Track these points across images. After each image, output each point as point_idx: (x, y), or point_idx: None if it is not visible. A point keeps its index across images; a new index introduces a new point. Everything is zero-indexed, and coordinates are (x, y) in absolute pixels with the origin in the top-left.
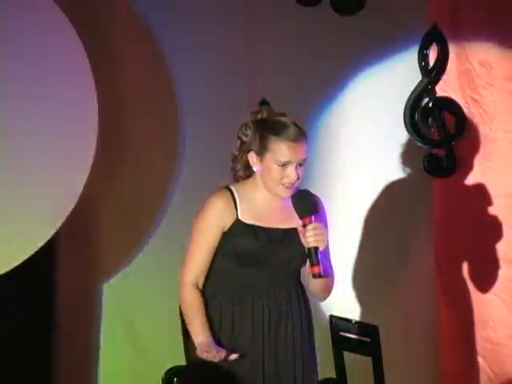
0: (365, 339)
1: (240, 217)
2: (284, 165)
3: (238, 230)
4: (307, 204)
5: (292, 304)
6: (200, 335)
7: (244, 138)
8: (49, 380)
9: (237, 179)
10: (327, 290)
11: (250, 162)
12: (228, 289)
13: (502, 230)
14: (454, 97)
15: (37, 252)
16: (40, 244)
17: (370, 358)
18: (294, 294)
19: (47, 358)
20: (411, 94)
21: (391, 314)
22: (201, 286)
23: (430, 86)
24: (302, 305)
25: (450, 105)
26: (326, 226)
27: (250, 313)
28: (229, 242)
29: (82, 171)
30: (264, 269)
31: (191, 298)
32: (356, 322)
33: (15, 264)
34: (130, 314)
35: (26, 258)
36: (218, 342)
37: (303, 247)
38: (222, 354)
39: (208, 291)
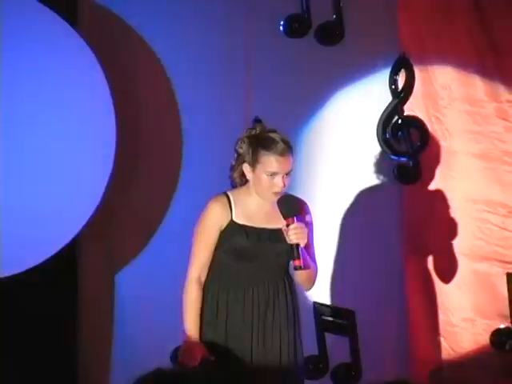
0: (343, 322)
1: (234, 218)
2: (272, 175)
3: (232, 230)
4: (290, 207)
5: (279, 295)
6: (189, 330)
7: (240, 151)
8: (73, 365)
9: (234, 186)
10: (310, 281)
11: (245, 171)
12: (225, 280)
13: (457, 229)
14: (419, 115)
15: (61, 250)
16: (65, 243)
17: (347, 338)
18: (281, 285)
19: (72, 341)
20: (383, 112)
21: (366, 302)
22: (204, 279)
23: (399, 106)
24: (287, 294)
25: (416, 122)
26: (312, 226)
27: (242, 302)
28: (225, 239)
29: (101, 179)
30: (255, 263)
31: (192, 295)
32: (336, 308)
33: (44, 259)
34: (142, 302)
35: (51, 255)
36: (214, 328)
37: (288, 244)
38: (195, 362)
39: (209, 281)
